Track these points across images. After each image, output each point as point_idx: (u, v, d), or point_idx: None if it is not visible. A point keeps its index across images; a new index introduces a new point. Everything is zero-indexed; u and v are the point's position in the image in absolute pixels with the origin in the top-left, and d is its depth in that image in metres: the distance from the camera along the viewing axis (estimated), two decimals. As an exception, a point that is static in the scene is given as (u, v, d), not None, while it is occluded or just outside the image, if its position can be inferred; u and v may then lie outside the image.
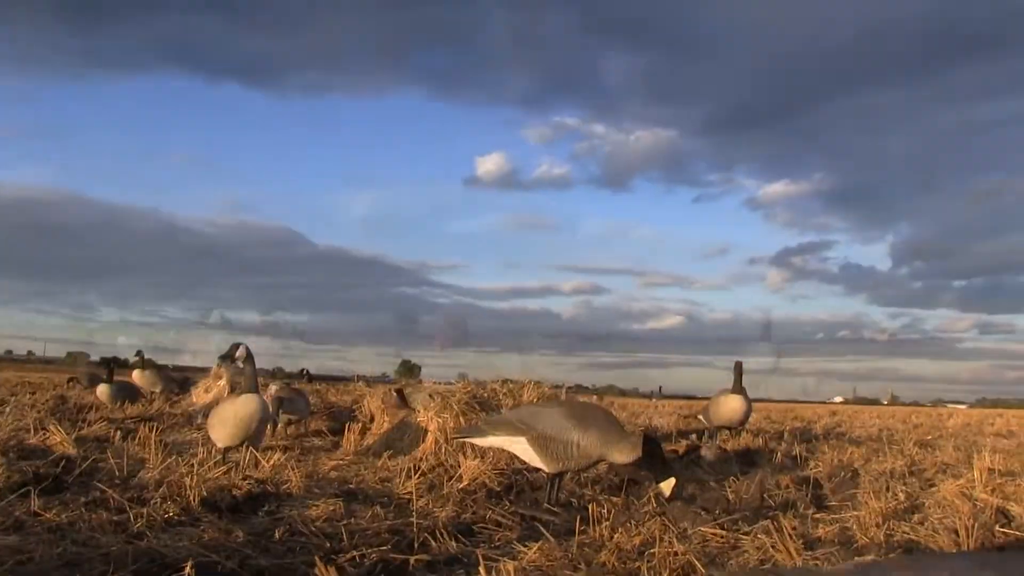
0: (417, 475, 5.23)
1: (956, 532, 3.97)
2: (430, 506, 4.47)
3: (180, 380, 14.05)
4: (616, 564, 3.32)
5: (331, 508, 4.14)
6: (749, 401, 8.79)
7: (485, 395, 7.06)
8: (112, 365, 12.40)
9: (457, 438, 5.31)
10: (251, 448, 5.73)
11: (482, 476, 5.13)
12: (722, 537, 3.85)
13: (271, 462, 5.46)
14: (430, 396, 7.25)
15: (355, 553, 3.31)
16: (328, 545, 3.46)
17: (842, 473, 6.14)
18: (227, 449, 5.80)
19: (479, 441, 5.02)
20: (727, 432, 9.40)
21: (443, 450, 6.12)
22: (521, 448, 4.65)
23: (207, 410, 7.49)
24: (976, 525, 3.99)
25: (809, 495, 5.18)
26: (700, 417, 9.91)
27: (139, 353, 13.98)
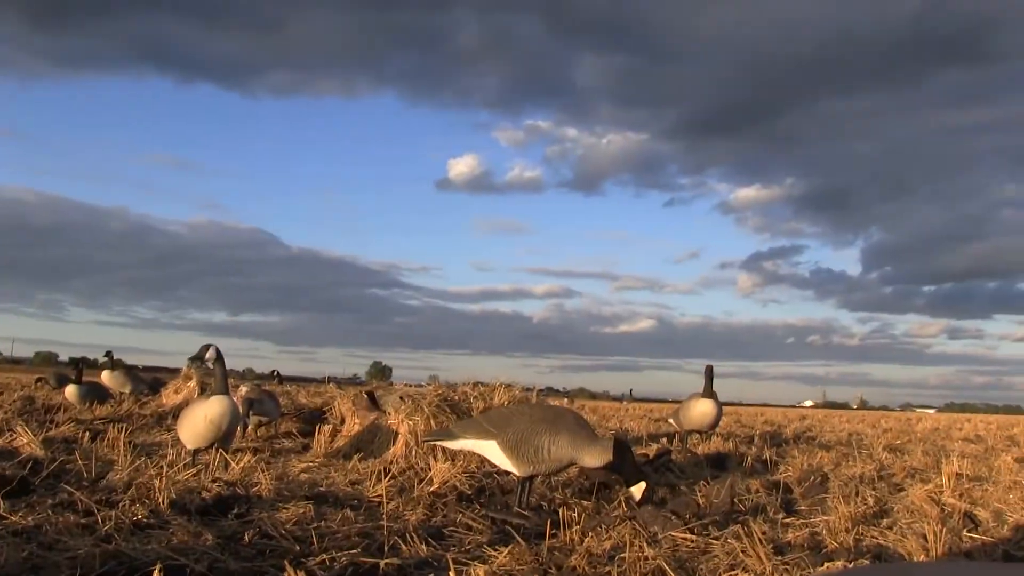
0: (387, 478, 5.21)
1: (924, 537, 4.00)
2: (400, 509, 4.46)
3: (150, 381, 13.94)
4: (586, 568, 3.32)
5: (301, 511, 4.13)
6: (720, 405, 8.84)
7: (456, 398, 7.05)
8: (81, 365, 12.29)
9: (428, 441, 5.31)
10: (221, 450, 5.71)
11: (453, 479, 5.12)
12: (692, 542, 3.86)
13: (241, 464, 5.43)
14: (401, 398, 7.24)
15: (325, 556, 3.30)
16: (298, 548, 3.45)
17: (812, 477, 6.18)
18: (196, 451, 5.78)
19: (450, 444, 5.01)
20: (698, 436, 9.44)
21: (414, 453, 6.12)
22: (492, 451, 4.65)
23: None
24: (944, 530, 4.03)
25: (779, 499, 5.21)
26: (671, 420, 9.95)
27: (108, 353, 13.86)
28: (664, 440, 9.68)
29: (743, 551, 3.52)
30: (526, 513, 4.43)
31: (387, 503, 4.47)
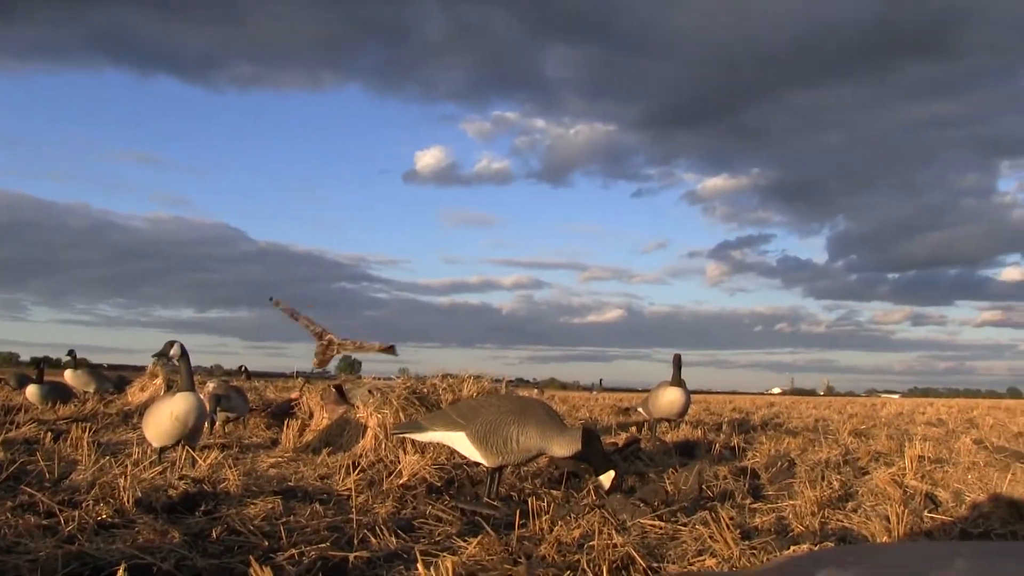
0: (356, 472, 5.19)
1: (887, 519, 4.04)
2: (370, 502, 4.44)
3: (115, 379, 13.80)
4: (556, 557, 3.32)
5: (269, 506, 4.10)
6: (688, 393, 8.87)
7: (425, 390, 7.04)
8: (43, 365, 12.12)
9: (397, 434, 5.29)
10: (187, 447, 5.66)
11: (422, 471, 5.11)
12: (661, 528, 3.87)
13: (208, 461, 5.39)
14: (370, 392, 7.21)
15: (294, 551, 3.27)
16: (266, 544, 3.42)
17: (779, 463, 6.22)
18: (163, 449, 5.72)
19: (419, 437, 5.00)
20: (667, 424, 9.47)
21: (383, 446, 6.10)
22: (461, 443, 4.64)
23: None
24: (906, 512, 4.07)
25: (747, 485, 5.24)
26: (640, 409, 9.97)
27: (71, 352, 13.70)
28: (633, 429, 9.71)
29: (711, 537, 3.53)
30: (496, 503, 4.43)
31: (356, 496, 4.45)
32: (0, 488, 4.45)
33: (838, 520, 4.24)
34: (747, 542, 3.54)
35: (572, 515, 4.05)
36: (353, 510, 4.03)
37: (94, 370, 14.32)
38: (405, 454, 5.61)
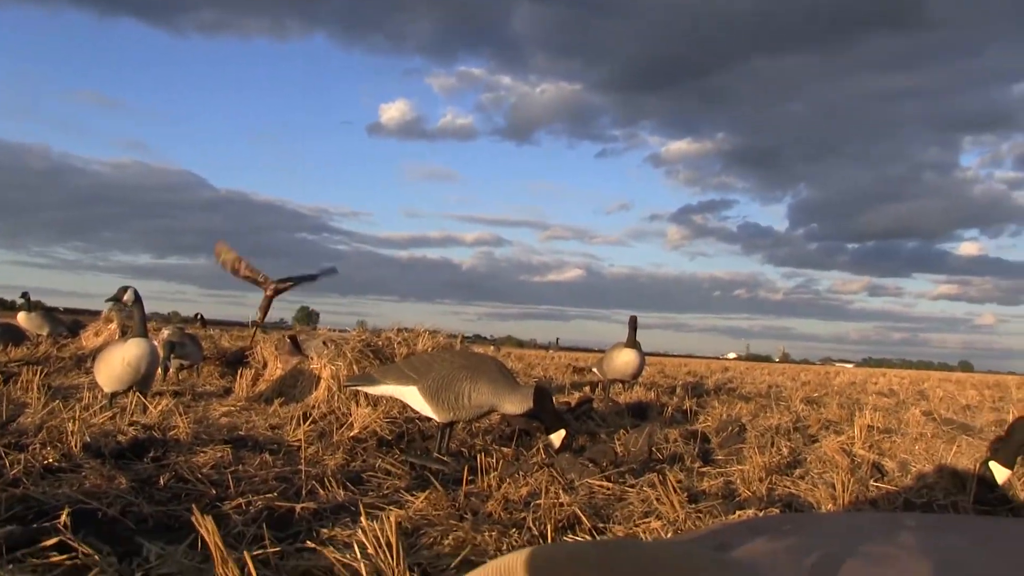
0: (308, 423, 5.20)
1: (833, 487, 4.10)
2: (320, 454, 4.45)
3: (69, 323, 13.65)
4: (502, 514, 3.35)
5: (219, 455, 4.10)
6: (643, 355, 8.92)
7: (380, 343, 7.04)
8: (-5, 306, 11.96)
9: (349, 386, 5.29)
10: (139, 393, 5.63)
11: (373, 424, 5.12)
12: (608, 489, 3.92)
13: (159, 408, 5.37)
14: (324, 343, 7.21)
15: (241, 501, 3.28)
16: (214, 492, 3.43)
17: (730, 428, 6.29)
18: (114, 394, 5.69)
19: (371, 389, 5.00)
20: (620, 385, 9.54)
21: (335, 398, 6.10)
22: (412, 397, 4.65)
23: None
24: (852, 480, 4.13)
25: (696, 449, 5.30)
26: (594, 370, 10.03)
27: (25, 295, 13.50)
28: (587, 389, 9.77)
29: (657, 499, 3.58)
30: (445, 459, 4.46)
31: (306, 448, 4.46)
32: (-55, 429, 4.42)
33: (785, 487, 4.29)
34: (694, 505, 3.59)
35: (520, 473, 4.09)
36: (302, 461, 4.04)
37: (48, 313, 14.13)
38: (357, 407, 5.62)
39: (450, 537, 2.93)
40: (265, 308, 10.23)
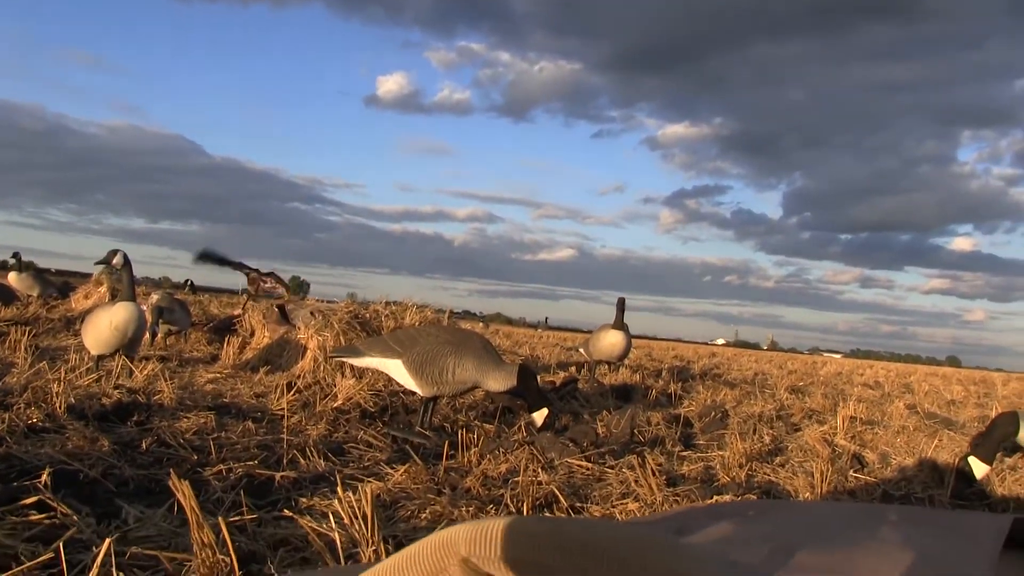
0: (292, 392, 5.22)
1: (812, 475, 4.14)
2: (303, 423, 4.48)
3: (59, 285, 13.62)
4: (480, 490, 3.38)
5: (202, 421, 4.12)
6: (629, 337, 8.95)
7: (367, 315, 7.05)
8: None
9: (334, 357, 5.31)
10: (126, 357, 5.65)
11: (357, 396, 5.14)
12: (588, 469, 3.94)
13: (145, 372, 5.39)
14: (312, 314, 7.23)
15: (222, 467, 3.31)
16: (195, 458, 3.45)
17: (713, 413, 6.32)
18: (100, 357, 5.70)
19: (355, 361, 5.02)
20: (606, 366, 9.58)
21: (321, 368, 6.12)
22: (397, 370, 4.67)
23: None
24: (832, 470, 4.17)
25: (678, 433, 5.33)
26: (581, 350, 10.06)
27: (16, 255, 13.47)
28: (572, 369, 9.80)
29: (636, 481, 3.61)
30: (427, 433, 4.48)
31: (289, 417, 4.49)
32: (-71, 385, 4.43)
33: (765, 474, 4.32)
34: (671, 488, 3.62)
35: (501, 450, 4.11)
36: (285, 430, 4.07)
37: (39, 274, 14.11)
38: (343, 378, 5.64)
39: (427, 511, 2.96)
40: (257, 288, 10.20)
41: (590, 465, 3.99)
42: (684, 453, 4.79)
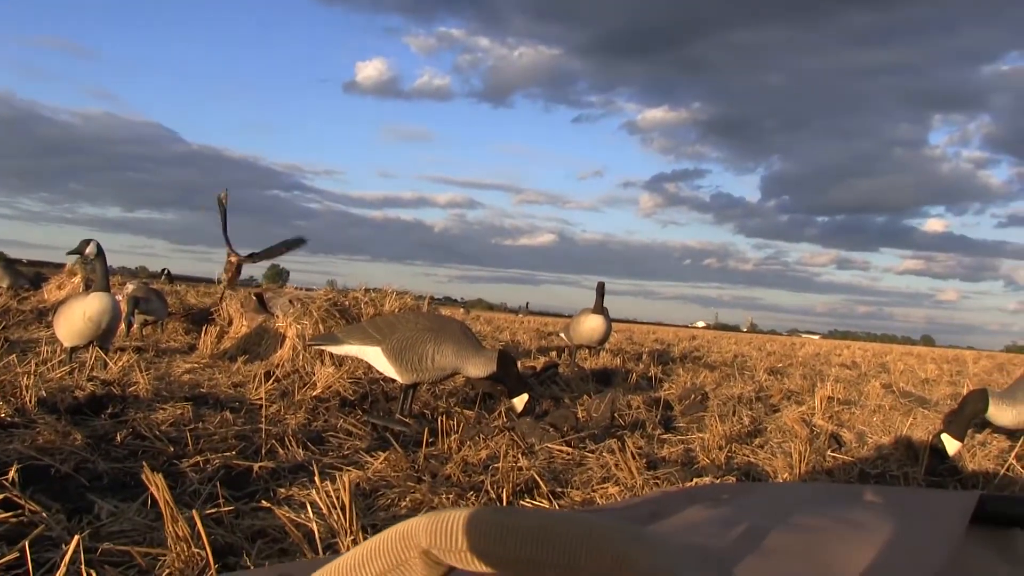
0: (271, 381, 5.17)
1: (791, 456, 4.13)
2: (281, 413, 4.43)
3: (31, 275, 13.47)
4: (460, 477, 3.35)
5: (179, 412, 4.06)
6: (609, 321, 8.94)
7: (346, 303, 7.00)
8: (-47, 258, 11.79)
9: (313, 345, 5.26)
10: (99, 348, 5.57)
11: (336, 384, 5.10)
12: (568, 454, 3.92)
13: (120, 363, 5.32)
14: (290, 302, 7.18)
15: (199, 458, 3.25)
16: (171, 450, 3.40)
17: (693, 396, 6.31)
18: (73, 349, 5.62)
19: (334, 349, 4.97)
20: (587, 351, 9.56)
21: (300, 357, 6.07)
22: (376, 357, 4.63)
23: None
24: (810, 450, 4.16)
25: (659, 416, 5.31)
26: (561, 335, 10.05)
27: (-14, 245, 13.33)
28: (553, 354, 9.79)
29: (616, 464, 3.58)
30: (407, 420, 4.45)
31: (268, 406, 4.43)
32: None
33: (744, 455, 4.32)
34: (652, 472, 3.59)
35: (481, 436, 4.08)
36: (263, 420, 4.01)
37: (9, 265, 13.94)
38: (322, 366, 5.60)
39: (407, 499, 2.93)
40: (232, 275, 10.14)
41: (570, 450, 3.97)
42: (664, 436, 4.77)
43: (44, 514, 2.30)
